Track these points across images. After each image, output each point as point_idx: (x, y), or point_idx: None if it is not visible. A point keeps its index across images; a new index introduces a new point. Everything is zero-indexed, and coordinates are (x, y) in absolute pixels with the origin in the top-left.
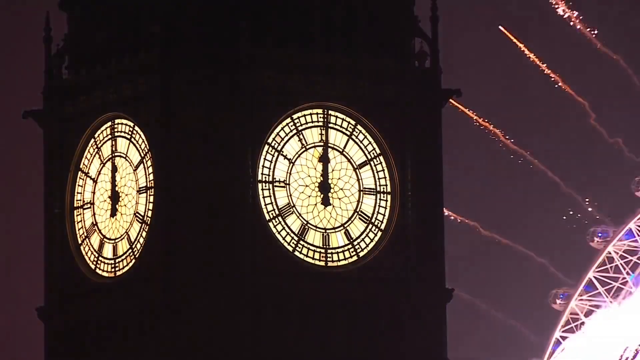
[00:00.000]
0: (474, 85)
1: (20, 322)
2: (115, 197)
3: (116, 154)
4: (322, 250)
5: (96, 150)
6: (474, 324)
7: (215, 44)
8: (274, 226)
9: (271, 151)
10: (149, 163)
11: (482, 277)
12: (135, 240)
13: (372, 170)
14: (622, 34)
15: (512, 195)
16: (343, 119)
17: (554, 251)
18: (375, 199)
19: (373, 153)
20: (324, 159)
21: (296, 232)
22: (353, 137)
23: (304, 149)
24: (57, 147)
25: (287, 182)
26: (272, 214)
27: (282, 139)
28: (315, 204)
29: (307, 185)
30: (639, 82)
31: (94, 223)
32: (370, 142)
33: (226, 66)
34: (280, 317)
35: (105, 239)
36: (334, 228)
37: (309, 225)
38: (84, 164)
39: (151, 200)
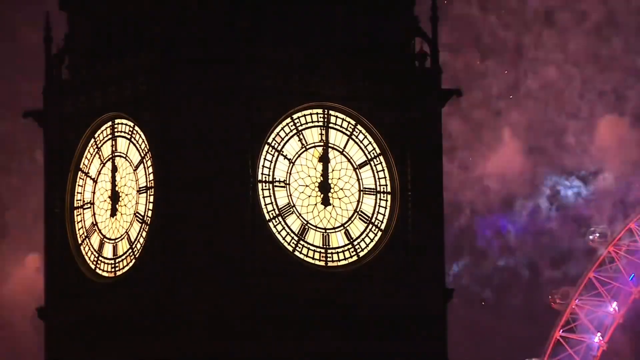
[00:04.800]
0: None
1: (20, 322)
2: (115, 197)
3: (116, 154)
4: (322, 250)
5: (96, 150)
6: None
7: (215, 44)
8: (274, 226)
9: (271, 151)
10: (149, 163)
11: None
12: (135, 240)
13: (372, 170)
14: None
15: None
16: (343, 119)
17: None
18: (375, 199)
19: (373, 153)
20: (324, 159)
21: (296, 232)
22: (353, 137)
23: (304, 149)
24: (57, 147)
25: (287, 182)
26: (272, 214)
27: (282, 139)
28: (315, 204)
29: (307, 185)
30: None
31: (94, 223)
32: (370, 142)
33: (226, 66)
34: (280, 317)
35: (105, 239)
36: (334, 228)
37: (309, 225)
38: (84, 164)
39: (151, 200)
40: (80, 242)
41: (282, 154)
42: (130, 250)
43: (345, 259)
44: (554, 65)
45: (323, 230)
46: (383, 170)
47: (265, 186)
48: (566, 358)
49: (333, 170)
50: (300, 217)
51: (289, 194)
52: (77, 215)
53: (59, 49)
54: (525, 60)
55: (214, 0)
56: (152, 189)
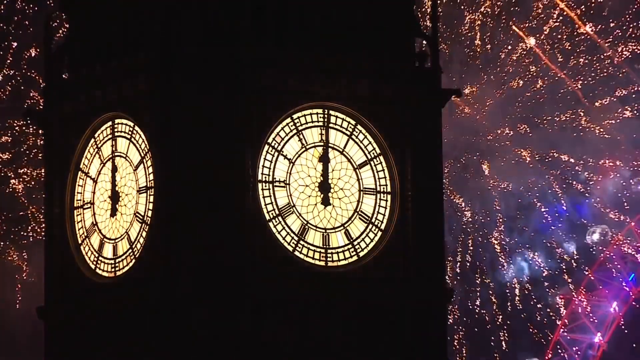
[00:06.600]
0: None
1: (19, 321)
2: (115, 197)
3: (116, 154)
4: (322, 250)
5: (96, 150)
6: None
7: (215, 44)
8: (274, 226)
9: (271, 151)
10: (149, 163)
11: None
12: (135, 240)
13: (372, 170)
14: None
15: None
16: (343, 119)
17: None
18: (375, 199)
19: (373, 153)
20: (324, 159)
21: (296, 232)
22: (353, 137)
23: (304, 149)
24: (57, 147)
25: (287, 182)
26: (272, 214)
27: (282, 139)
28: (315, 204)
29: (307, 185)
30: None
31: (94, 223)
32: (370, 142)
33: (226, 66)
34: (280, 317)
35: (105, 239)
36: (334, 228)
37: (309, 225)
38: (84, 164)
39: (151, 200)
40: (80, 242)
41: (282, 154)
42: (130, 250)
43: (345, 259)
44: None
45: (323, 230)
46: (383, 170)
47: (265, 186)
48: (566, 358)
49: (333, 170)
50: (300, 217)
51: (289, 194)
52: (77, 215)
53: (59, 49)
54: None
55: (214, 0)
56: (152, 189)
